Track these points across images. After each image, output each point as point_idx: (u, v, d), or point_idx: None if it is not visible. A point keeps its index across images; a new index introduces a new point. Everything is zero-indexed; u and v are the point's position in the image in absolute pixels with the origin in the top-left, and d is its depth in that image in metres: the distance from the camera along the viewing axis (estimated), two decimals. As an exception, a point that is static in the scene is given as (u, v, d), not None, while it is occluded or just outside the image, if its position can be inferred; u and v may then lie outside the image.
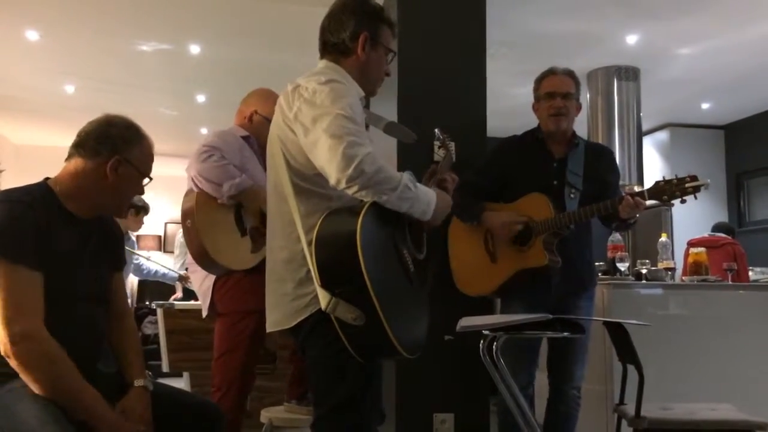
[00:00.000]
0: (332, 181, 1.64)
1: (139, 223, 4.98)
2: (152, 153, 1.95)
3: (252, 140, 2.73)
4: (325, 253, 1.66)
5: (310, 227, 1.72)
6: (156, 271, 5.11)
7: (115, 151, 1.85)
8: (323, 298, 1.64)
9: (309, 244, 1.70)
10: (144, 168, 1.92)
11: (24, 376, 1.64)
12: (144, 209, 4.96)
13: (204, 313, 2.71)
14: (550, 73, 2.83)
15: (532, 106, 2.87)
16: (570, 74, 2.83)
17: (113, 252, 2.02)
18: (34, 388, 1.64)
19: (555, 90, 2.77)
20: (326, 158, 1.63)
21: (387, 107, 3.37)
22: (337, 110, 1.67)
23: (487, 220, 2.76)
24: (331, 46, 1.91)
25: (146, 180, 1.95)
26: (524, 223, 2.67)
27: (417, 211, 1.74)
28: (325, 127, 1.65)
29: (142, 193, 1.97)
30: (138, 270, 5.03)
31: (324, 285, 1.64)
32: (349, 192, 1.64)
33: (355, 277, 1.59)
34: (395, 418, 3.13)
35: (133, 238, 5.09)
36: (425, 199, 1.76)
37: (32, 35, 5.45)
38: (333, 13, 1.93)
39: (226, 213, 2.58)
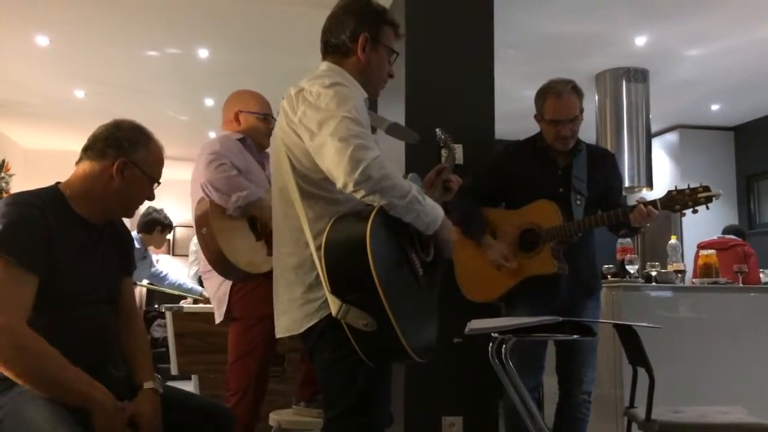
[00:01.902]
0: (339, 184, 1.63)
1: (164, 240, 4.98)
2: (161, 157, 1.95)
3: (248, 141, 2.75)
4: (335, 259, 1.65)
5: (318, 232, 1.71)
6: (181, 284, 5.03)
7: (120, 153, 1.85)
8: (333, 304, 1.63)
9: (318, 249, 1.69)
10: (151, 170, 1.91)
11: (7, 373, 1.63)
12: (169, 227, 4.97)
13: (219, 319, 2.71)
14: (554, 95, 2.71)
15: (535, 116, 2.82)
16: (574, 90, 2.72)
17: (123, 256, 2.03)
18: (24, 383, 1.63)
19: (561, 118, 2.70)
20: (333, 162, 1.62)
21: (395, 110, 3.37)
22: (342, 113, 1.66)
23: (485, 245, 2.76)
24: (332, 47, 1.91)
25: (156, 184, 1.95)
26: (515, 266, 2.69)
27: (421, 223, 1.72)
28: (331, 131, 1.64)
29: (152, 198, 1.96)
30: (158, 279, 4.98)
31: (334, 291, 1.63)
32: (357, 196, 1.63)
33: (365, 283, 1.58)
34: (404, 421, 3.13)
35: (152, 258, 5.05)
36: (432, 214, 1.73)
37: (42, 40, 5.49)
38: (333, 14, 1.92)
39: (239, 219, 2.59)
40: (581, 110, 2.76)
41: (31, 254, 1.69)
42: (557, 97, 2.71)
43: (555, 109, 2.71)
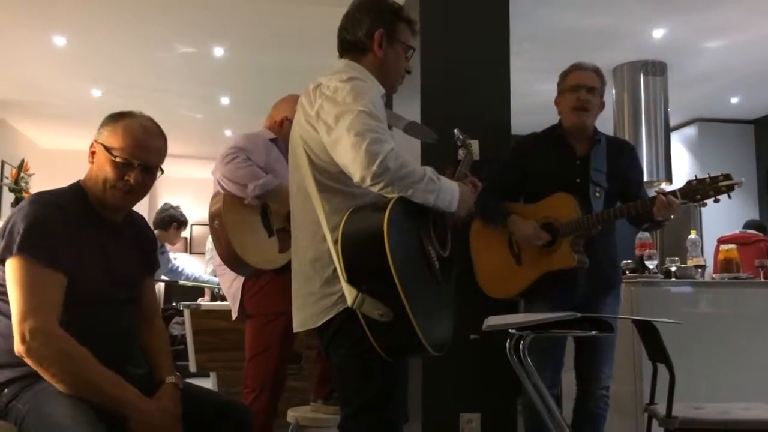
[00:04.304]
0: (356, 178, 1.63)
1: (179, 237, 5.02)
2: (132, 136, 1.82)
3: (280, 143, 2.75)
4: (352, 249, 1.65)
5: (335, 225, 1.71)
6: (197, 277, 5.07)
7: (95, 139, 1.86)
8: (349, 293, 1.63)
9: (335, 242, 1.69)
10: (116, 145, 1.81)
11: (42, 373, 1.65)
12: (185, 224, 5.01)
13: (234, 316, 2.73)
14: (578, 67, 2.80)
15: (555, 100, 2.84)
16: (597, 71, 2.80)
17: (145, 256, 2.03)
18: (56, 384, 1.64)
19: (580, 83, 2.74)
20: (350, 156, 1.63)
21: (410, 106, 3.36)
22: (359, 107, 1.66)
23: (512, 227, 2.72)
24: (348, 45, 1.92)
25: (135, 164, 1.81)
26: (548, 238, 2.64)
27: (443, 203, 1.73)
28: (347, 125, 1.64)
29: (132, 181, 1.81)
30: (175, 274, 5.02)
31: (350, 281, 1.64)
32: (375, 189, 1.63)
33: (382, 273, 1.58)
34: (421, 417, 3.12)
35: (169, 253, 5.09)
36: (449, 191, 1.75)
37: (59, 41, 5.54)
38: (349, 13, 1.94)
39: (253, 214, 2.60)
40: (601, 95, 2.78)
41: (56, 253, 1.70)
42: (580, 68, 2.80)
43: (576, 76, 2.77)
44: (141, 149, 1.84)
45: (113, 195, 1.84)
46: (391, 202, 1.65)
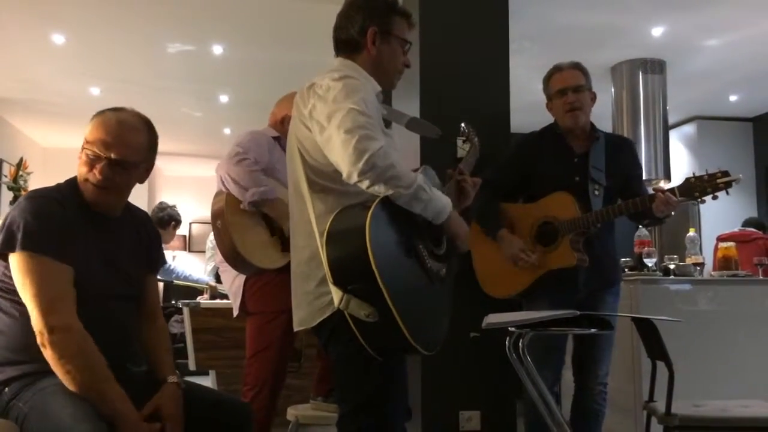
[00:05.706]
0: (344, 174, 1.64)
1: (174, 236, 5.04)
2: (103, 127, 1.80)
3: (283, 141, 2.75)
4: (335, 250, 1.65)
5: (325, 226, 1.71)
6: (187, 276, 5.09)
7: None
8: (336, 294, 1.63)
9: (322, 246, 1.69)
10: (89, 139, 1.79)
11: (57, 368, 1.65)
12: (180, 222, 5.04)
13: (235, 313, 2.73)
14: (556, 70, 2.81)
15: (546, 105, 2.84)
16: (576, 66, 2.80)
17: (147, 253, 2.02)
18: (65, 381, 1.65)
19: (565, 85, 2.74)
20: (339, 153, 1.64)
21: (409, 104, 3.36)
22: (350, 105, 1.67)
23: (501, 239, 2.74)
24: (343, 44, 1.93)
25: (102, 157, 1.77)
26: (532, 261, 2.66)
27: (429, 213, 1.73)
28: (338, 123, 1.65)
29: (98, 174, 1.78)
30: (169, 273, 5.03)
31: (336, 282, 1.63)
32: (362, 186, 1.64)
33: (365, 273, 1.57)
34: (421, 415, 3.12)
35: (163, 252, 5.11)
36: (439, 204, 1.74)
37: (58, 39, 5.53)
38: (343, 11, 1.94)
39: (255, 214, 2.60)
40: (589, 89, 2.78)
41: (59, 245, 1.70)
42: (559, 70, 2.80)
43: (559, 80, 2.78)
44: (110, 143, 1.79)
45: (86, 189, 1.81)
46: (376, 200, 1.65)
